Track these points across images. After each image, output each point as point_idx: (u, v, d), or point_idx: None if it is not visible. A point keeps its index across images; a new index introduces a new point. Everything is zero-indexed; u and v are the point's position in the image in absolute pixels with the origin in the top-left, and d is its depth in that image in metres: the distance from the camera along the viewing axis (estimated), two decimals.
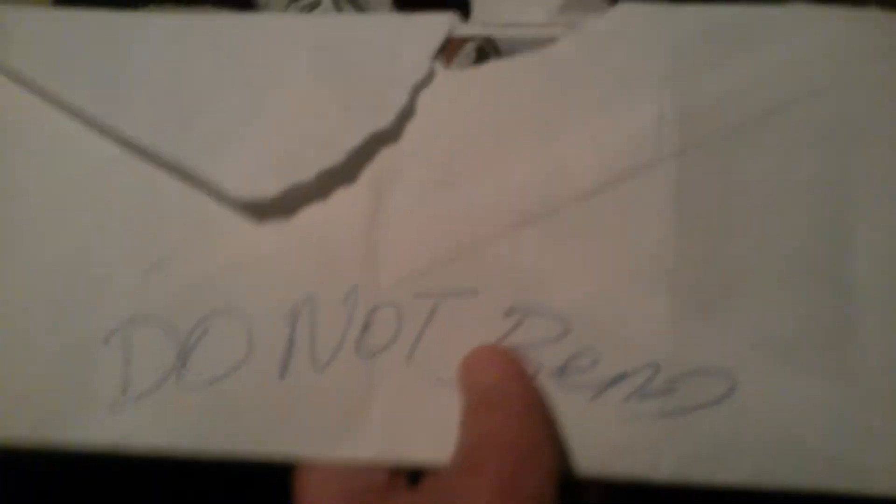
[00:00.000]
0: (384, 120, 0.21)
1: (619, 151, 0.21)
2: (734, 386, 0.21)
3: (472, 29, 0.23)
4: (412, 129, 0.22)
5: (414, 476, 0.22)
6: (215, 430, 0.21)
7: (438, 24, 0.22)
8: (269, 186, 0.21)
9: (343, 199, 0.22)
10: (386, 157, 0.22)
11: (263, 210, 0.22)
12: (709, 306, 0.21)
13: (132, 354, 0.22)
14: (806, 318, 0.21)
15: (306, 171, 0.21)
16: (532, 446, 0.19)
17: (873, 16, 0.21)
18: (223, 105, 0.22)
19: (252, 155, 0.21)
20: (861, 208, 0.21)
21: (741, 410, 0.21)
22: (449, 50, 0.22)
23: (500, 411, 0.19)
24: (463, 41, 0.23)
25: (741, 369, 0.21)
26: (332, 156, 0.21)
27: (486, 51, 0.23)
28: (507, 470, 0.18)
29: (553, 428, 0.21)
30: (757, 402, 0.21)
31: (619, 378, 0.21)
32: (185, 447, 0.21)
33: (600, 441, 0.21)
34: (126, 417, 0.21)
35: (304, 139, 0.21)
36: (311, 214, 0.22)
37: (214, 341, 0.22)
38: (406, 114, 0.22)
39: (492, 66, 0.22)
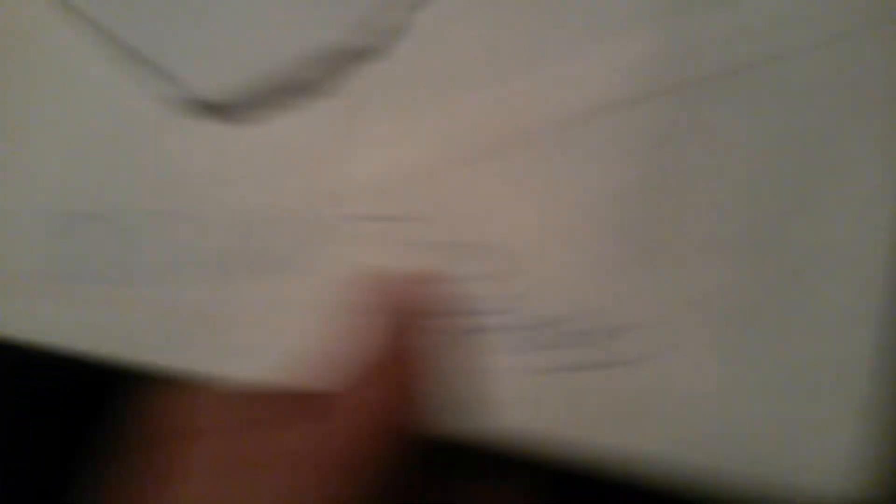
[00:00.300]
0: (374, 37, 0.21)
1: (600, 87, 0.20)
2: (655, 349, 0.19)
3: None
4: (401, 50, 0.21)
5: None
6: (123, 334, 0.21)
7: None
8: (235, 88, 0.21)
9: (315, 113, 0.21)
10: (369, 75, 0.21)
11: (231, 115, 0.21)
12: (651, 261, 0.20)
13: (67, 246, 0.22)
14: (743, 292, 0.19)
15: (278, 79, 0.21)
16: (410, 376, 0.19)
17: None
18: (204, 4, 0.22)
19: (224, 56, 0.21)
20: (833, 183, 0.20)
21: (656, 375, 0.19)
22: None
23: (396, 336, 0.19)
24: None
25: (666, 332, 0.19)
26: (310, 67, 0.21)
27: None
28: (382, 391, 0.18)
29: (446, 366, 0.20)
30: (673, 372, 0.19)
31: (537, 325, 0.20)
32: (85, 347, 0.21)
33: (505, 389, 0.20)
34: (45, 307, 0.21)
35: (283, 47, 0.21)
36: (281, 126, 0.21)
37: (153, 242, 0.21)
38: (396, 33, 0.21)
39: None
